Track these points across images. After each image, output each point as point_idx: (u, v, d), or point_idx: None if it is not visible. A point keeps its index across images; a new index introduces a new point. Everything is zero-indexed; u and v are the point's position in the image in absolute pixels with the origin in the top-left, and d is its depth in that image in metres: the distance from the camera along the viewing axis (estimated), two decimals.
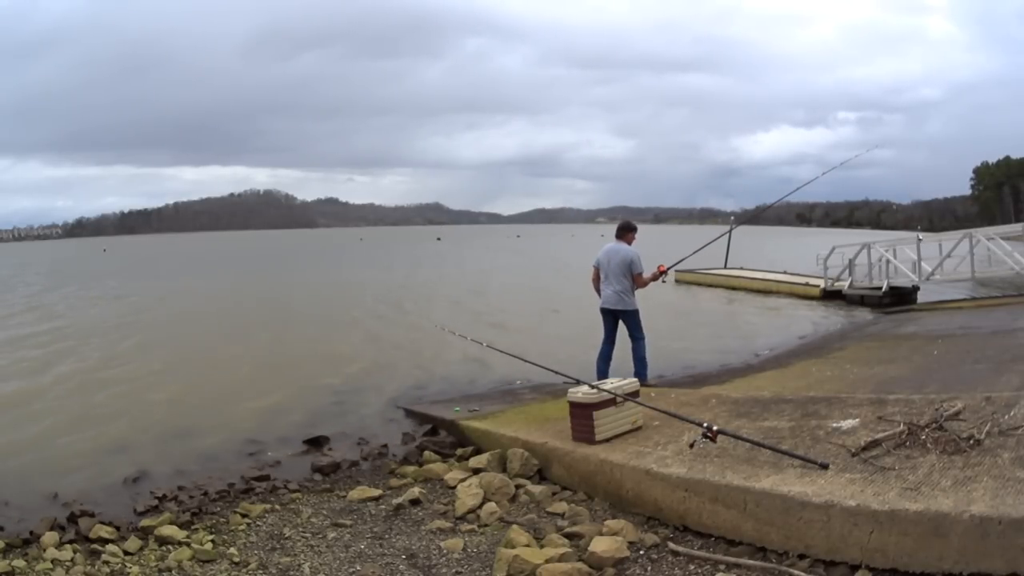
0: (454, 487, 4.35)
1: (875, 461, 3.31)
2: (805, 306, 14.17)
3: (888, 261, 14.02)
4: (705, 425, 3.73)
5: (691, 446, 3.85)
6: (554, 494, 4.17)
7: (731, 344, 9.80)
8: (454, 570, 3.27)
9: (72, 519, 4.05)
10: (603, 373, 6.29)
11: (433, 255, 41.50)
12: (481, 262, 34.34)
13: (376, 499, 4.33)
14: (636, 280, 6.36)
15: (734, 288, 17.32)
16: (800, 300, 15.06)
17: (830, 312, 13.24)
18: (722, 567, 3.02)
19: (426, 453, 5.18)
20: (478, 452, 4.96)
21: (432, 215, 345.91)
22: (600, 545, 3.22)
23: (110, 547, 3.62)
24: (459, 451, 5.16)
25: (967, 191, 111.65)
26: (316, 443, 5.67)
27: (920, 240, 13.56)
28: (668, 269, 6.46)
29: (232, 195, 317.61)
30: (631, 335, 6.45)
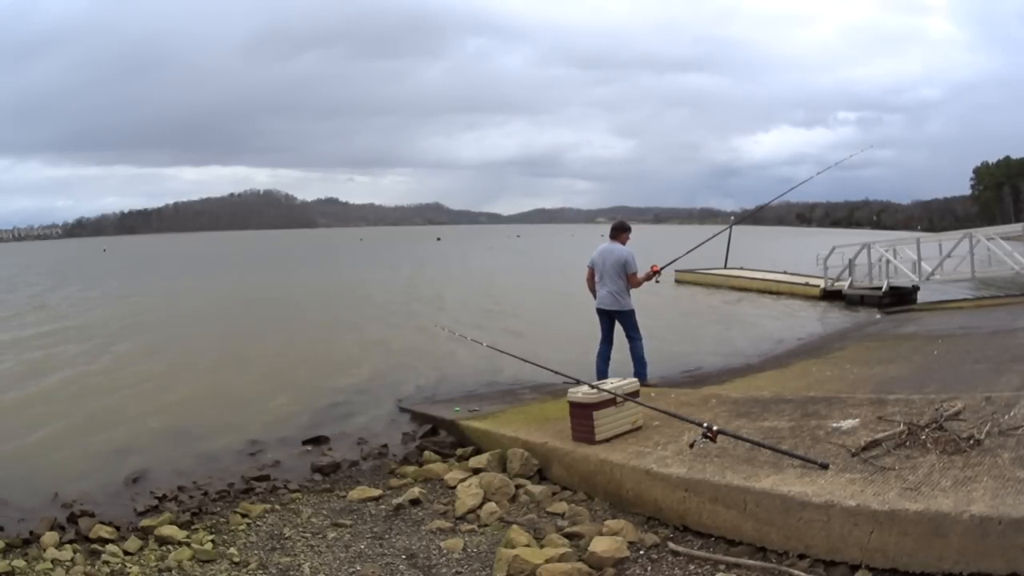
0: (454, 487, 4.35)
1: (875, 461, 3.31)
2: (805, 306, 14.17)
3: (888, 261, 14.01)
4: (705, 425, 3.73)
5: (691, 446, 3.85)
6: (554, 494, 4.17)
7: (731, 344, 9.80)
8: (454, 570, 3.27)
9: (72, 519, 4.05)
10: (602, 373, 6.30)
11: (434, 255, 41.49)
12: (483, 262, 34.35)
13: (376, 499, 4.33)
14: (630, 280, 6.37)
15: (734, 288, 17.31)
16: (800, 300, 15.05)
17: (830, 312, 13.25)
18: (722, 567, 3.03)
19: (426, 453, 5.18)
20: (478, 452, 4.96)
21: (432, 215, 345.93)
22: (600, 545, 3.22)
23: (110, 547, 3.62)
24: (459, 451, 5.16)
25: (967, 191, 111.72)
26: (316, 443, 5.67)
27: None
28: (661, 269, 6.47)
29: (232, 195, 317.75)
30: (628, 335, 6.45)
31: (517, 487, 4.23)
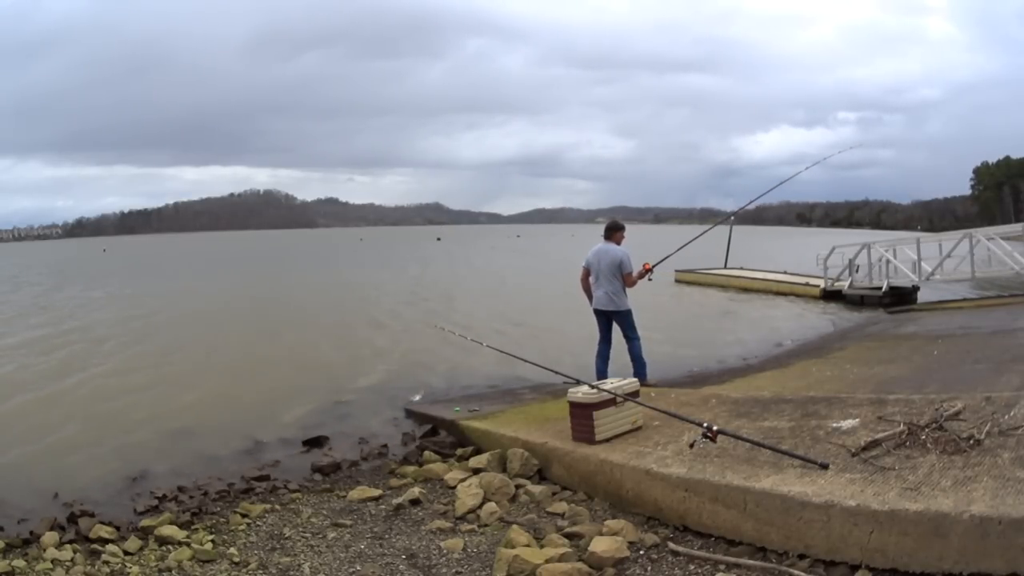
0: (454, 487, 4.35)
1: (875, 461, 3.31)
2: (805, 306, 14.17)
3: (888, 261, 14.02)
4: (705, 425, 3.73)
5: (691, 446, 3.85)
6: (554, 494, 4.17)
7: (731, 344, 9.80)
8: (454, 570, 3.27)
9: (72, 519, 4.05)
10: (602, 373, 6.30)
11: (434, 255, 41.48)
12: (484, 262, 34.33)
13: (376, 499, 4.33)
14: (626, 280, 6.37)
15: (734, 288, 17.32)
16: (800, 300, 15.05)
17: (830, 312, 13.25)
18: (722, 567, 3.02)
19: (426, 453, 5.18)
20: (478, 452, 4.96)
21: (432, 215, 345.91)
22: (600, 545, 3.22)
23: (110, 547, 3.62)
24: (459, 451, 5.15)
25: (967, 191, 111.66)
26: (316, 443, 5.67)
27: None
28: (654, 267, 6.47)
29: (232, 195, 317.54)
30: (625, 335, 6.45)
31: (517, 487, 4.23)
